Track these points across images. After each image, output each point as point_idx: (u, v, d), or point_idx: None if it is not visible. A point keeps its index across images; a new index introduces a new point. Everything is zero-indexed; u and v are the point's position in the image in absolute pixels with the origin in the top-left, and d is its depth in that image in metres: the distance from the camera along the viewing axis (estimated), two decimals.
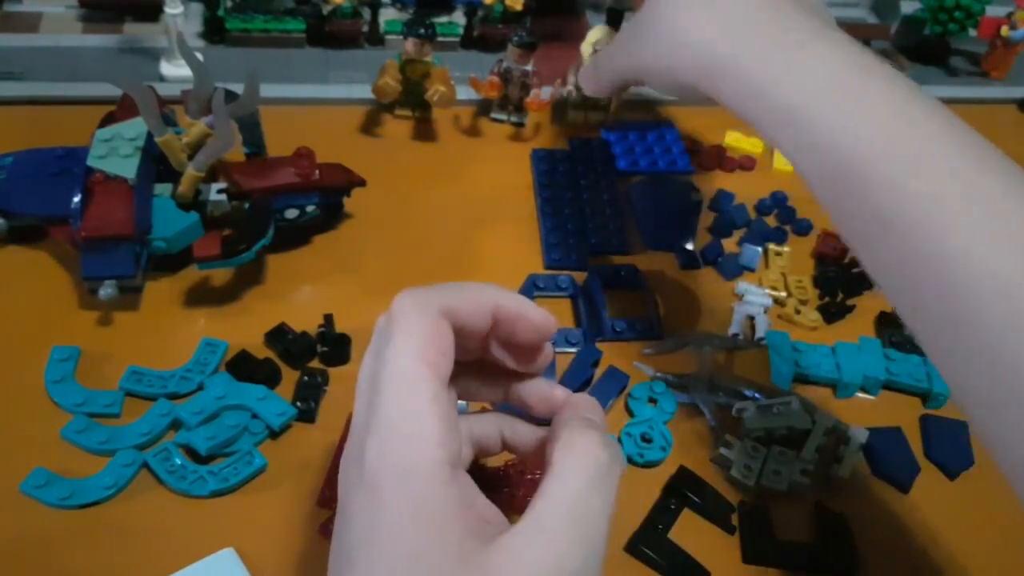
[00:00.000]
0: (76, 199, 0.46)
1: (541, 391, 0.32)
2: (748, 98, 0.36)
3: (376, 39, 0.71)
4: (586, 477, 0.27)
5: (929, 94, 0.34)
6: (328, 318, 0.48)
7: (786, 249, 0.57)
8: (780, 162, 0.65)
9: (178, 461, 0.41)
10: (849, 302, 0.54)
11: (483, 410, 0.35)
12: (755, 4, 0.37)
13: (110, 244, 0.46)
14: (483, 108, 0.66)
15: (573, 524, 0.26)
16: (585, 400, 0.31)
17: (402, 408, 0.26)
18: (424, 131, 0.64)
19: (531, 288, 0.52)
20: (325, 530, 0.40)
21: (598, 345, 0.49)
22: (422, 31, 0.59)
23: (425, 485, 0.25)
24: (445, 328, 0.28)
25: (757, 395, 0.47)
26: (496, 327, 0.30)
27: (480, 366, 0.32)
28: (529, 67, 0.62)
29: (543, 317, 0.30)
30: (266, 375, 0.46)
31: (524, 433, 0.32)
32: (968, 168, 0.31)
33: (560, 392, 0.32)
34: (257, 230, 0.48)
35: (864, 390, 0.50)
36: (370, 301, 0.50)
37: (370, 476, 0.26)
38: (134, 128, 0.48)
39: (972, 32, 0.74)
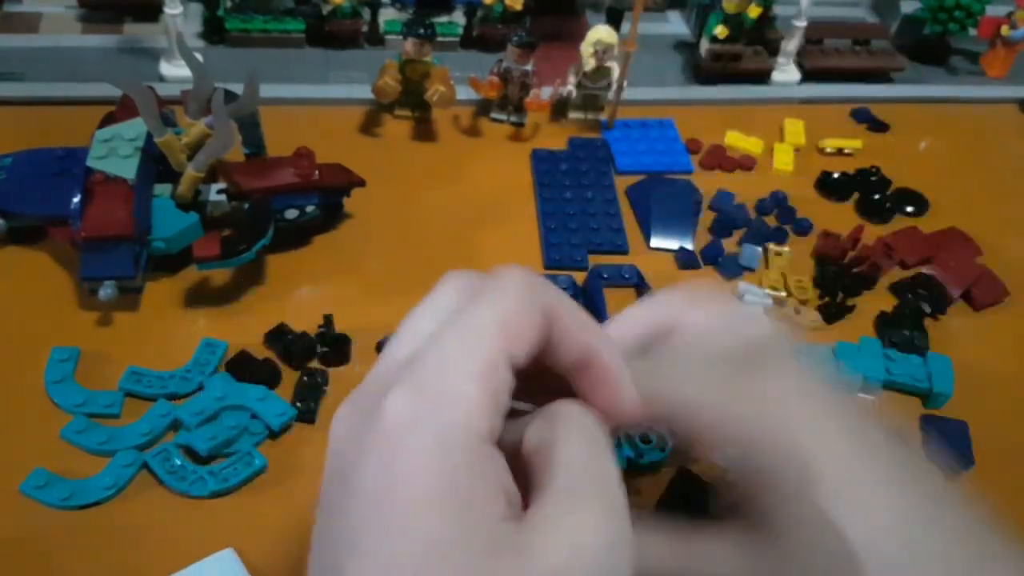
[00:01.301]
0: (76, 199, 0.46)
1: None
2: None
3: (376, 39, 0.71)
4: (588, 440, 0.24)
5: None
6: (328, 318, 0.48)
7: (786, 249, 0.57)
8: (780, 162, 0.65)
9: (178, 461, 0.41)
10: (849, 302, 0.54)
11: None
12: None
13: (110, 244, 0.46)
14: (483, 108, 0.66)
15: (595, 488, 0.23)
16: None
17: (456, 365, 0.22)
18: (424, 131, 0.64)
19: None
20: None
21: None
22: (422, 31, 0.59)
23: (463, 457, 0.21)
24: (538, 318, 0.24)
25: None
26: (572, 363, 0.25)
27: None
28: (529, 67, 0.62)
29: (628, 394, 0.25)
30: (266, 375, 0.45)
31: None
32: None
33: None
34: (257, 230, 0.48)
35: (864, 390, 0.50)
36: (370, 301, 0.51)
37: (392, 434, 0.21)
38: (134, 128, 0.48)
39: (972, 32, 0.74)
